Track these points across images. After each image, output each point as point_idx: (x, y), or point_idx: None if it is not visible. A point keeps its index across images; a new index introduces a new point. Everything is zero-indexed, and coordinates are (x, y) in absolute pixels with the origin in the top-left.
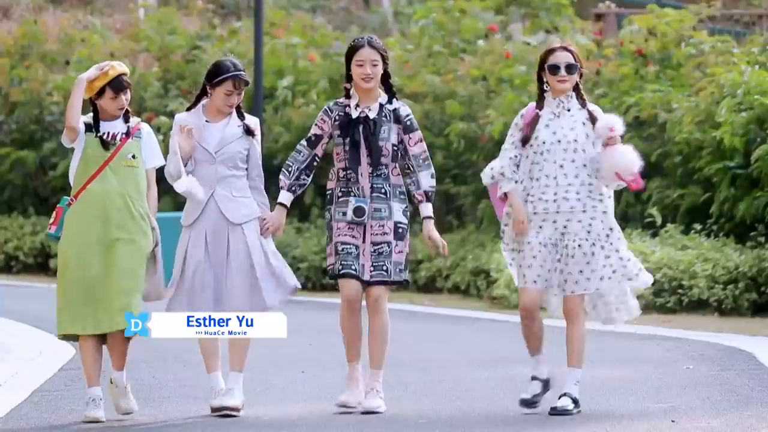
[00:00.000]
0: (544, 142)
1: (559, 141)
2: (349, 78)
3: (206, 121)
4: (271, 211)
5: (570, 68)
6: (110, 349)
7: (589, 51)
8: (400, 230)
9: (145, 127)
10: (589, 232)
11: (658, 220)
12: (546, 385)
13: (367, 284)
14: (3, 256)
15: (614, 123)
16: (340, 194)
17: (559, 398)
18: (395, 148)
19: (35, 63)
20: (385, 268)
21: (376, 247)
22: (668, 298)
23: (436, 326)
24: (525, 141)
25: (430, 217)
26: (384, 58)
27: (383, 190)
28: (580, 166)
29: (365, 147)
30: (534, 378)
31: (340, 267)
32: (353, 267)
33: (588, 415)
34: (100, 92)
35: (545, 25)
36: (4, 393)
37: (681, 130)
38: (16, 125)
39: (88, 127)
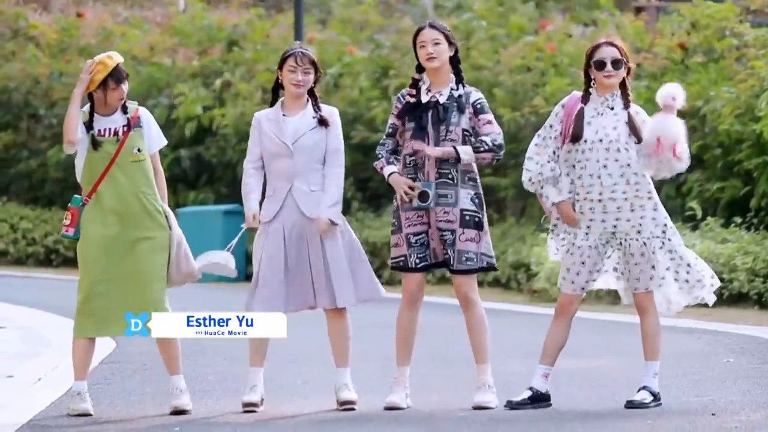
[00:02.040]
0: (585, 141)
1: (601, 140)
2: (420, 68)
3: (283, 115)
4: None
5: (616, 63)
6: (163, 355)
7: (641, 41)
8: (467, 218)
9: (144, 113)
10: (639, 231)
11: (699, 214)
12: (536, 399)
13: (436, 268)
14: (43, 250)
15: (677, 93)
16: None
17: (638, 391)
18: (466, 133)
19: (75, 57)
20: (447, 256)
21: (441, 233)
22: None
23: None
24: (575, 138)
25: (461, 154)
26: (449, 39)
27: (450, 176)
28: (624, 165)
29: (432, 131)
30: (531, 388)
31: (417, 261)
32: (428, 257)
33: (629, 409)
34: (103, 85)
35: (583, 19)
36: (44, 386)
37: (722, 122)
38: (56, 119)
39: (89, 127)
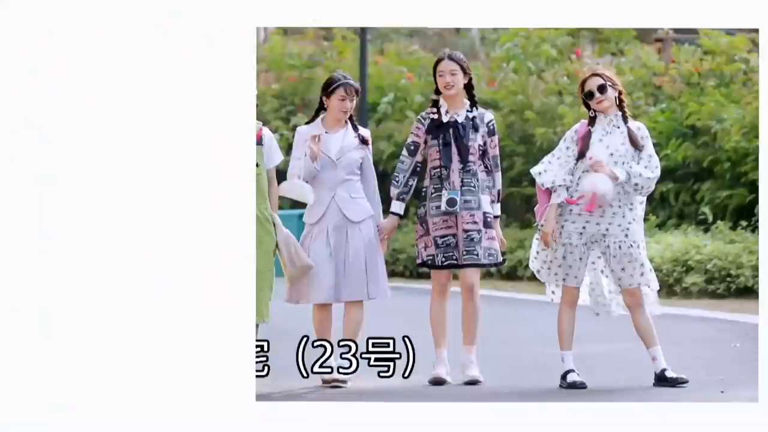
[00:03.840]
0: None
1: (611, 155)
2: (438, 90)
3: (326, 131)
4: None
5: (602, 89)
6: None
7: (656, 70)
8: (488, 219)
9: (266, 133)
10: (626, 235)
11: (710, 218)
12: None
13: (460, 268)
14: None
15: (596, 185)
16: (433, 191)
17: (664, 371)
18: (481, 148)
19: None
20: (476, 252)
21: (467, 233)
22: (718, 285)
23: (515, 310)
24: (580, 156)
25: (497, 217)
26: (464, 69)
27: (472, 184)
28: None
29: (455, 147)
30: (572, 371)
31: (444, 259)
32: (454, 257)
33: (646, 387)
34: None
35: (611, 49)
36: None
37: (730, 140)
38: None
39: None
